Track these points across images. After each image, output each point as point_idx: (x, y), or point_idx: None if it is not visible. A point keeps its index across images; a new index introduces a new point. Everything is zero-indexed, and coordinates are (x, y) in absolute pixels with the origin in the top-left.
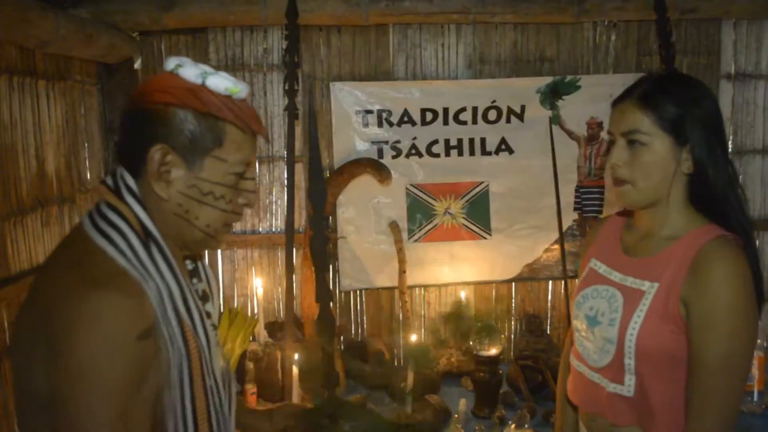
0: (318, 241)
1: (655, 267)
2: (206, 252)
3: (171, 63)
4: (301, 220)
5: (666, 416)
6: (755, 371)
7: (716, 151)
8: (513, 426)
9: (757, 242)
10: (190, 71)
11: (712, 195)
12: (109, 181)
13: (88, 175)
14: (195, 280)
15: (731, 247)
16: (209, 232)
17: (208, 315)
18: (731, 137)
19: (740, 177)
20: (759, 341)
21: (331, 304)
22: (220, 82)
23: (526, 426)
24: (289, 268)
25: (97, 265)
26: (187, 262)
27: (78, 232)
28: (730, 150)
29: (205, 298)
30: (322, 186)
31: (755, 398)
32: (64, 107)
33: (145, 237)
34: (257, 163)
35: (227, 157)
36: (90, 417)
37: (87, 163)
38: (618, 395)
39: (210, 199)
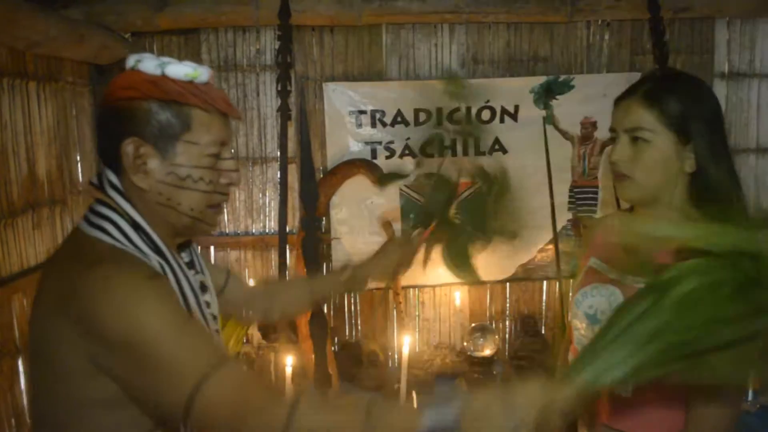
0: (310, 241)
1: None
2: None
3: (131, 60)
4: (294, 221)
5: (663, 417)
6: None
7: (719, 150)
8: None
9: None
10: (149, 64)
11: (714, 194)
12: (95, 180)
13: (80, 176)
14: (192, 272)
15: None
16: (195, 216)
17: (208, 305)
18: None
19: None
20: None
21: (324, 305)
22: (180, 69)
23: None
24: (282, 269)
25: (95, 250)
26: (183, 254)
27: (74, 231)
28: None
29: (203, 288)
30: (314, 187)
31: (750, 397)
32: (55, 109)
33: (134, 227)
34: (250, 164)
35: (198, 139)
36: (161, 346)
37: (79, 164)
38: (615, 394)
39: (189, 182)
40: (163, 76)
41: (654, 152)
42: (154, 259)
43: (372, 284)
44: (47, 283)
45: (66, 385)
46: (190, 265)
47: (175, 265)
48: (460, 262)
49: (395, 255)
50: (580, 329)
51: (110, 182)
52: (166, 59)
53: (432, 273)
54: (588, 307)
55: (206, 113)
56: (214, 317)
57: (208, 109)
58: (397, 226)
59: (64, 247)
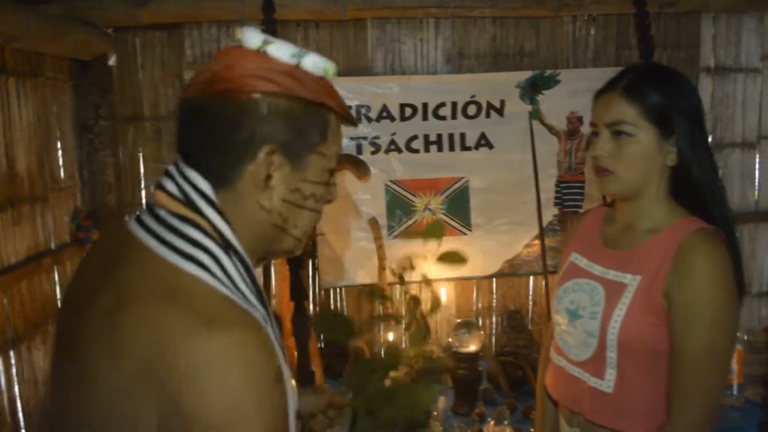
0: None
1: (637, 259)
2: None
3: (255, 38)
4: None
5: (645, 411)
6: (735, 365)
7: (700, 143)
8: (492, 423)
9: (737, 236)
10: (285, 50)
11: (695, 187)
12: (171, 187)
13: (62, 173)
14: None
15: (713, 239)
16: (301, 238)
17: None
18: (711, 131)
19: (720, 170)
20: (738, 335)
21: (310, 302)
22: (318, 62)
23: (506, 422)
24: (266, 266)
25: (202, 298)
26: None
27: (141, 250)
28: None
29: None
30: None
31: (735, 392)
32: (35, 105)
33: (227, 252)
34: None
35: (328, 151)
36: None
37: (60, 161)
38: (597, 390)
39: (311, 202)
40: (300, 68)
41: (636, 146)
42: (257, 306)
43: (358, 281)
44: (117, 330)
45: None
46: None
47: (269, 307)
48: None
49: (323, 401)
50: (562, 325)
51: (203, 195)
52: (297, 46)
53: (418, 269)
54: (569, 303)
55: (338, 120)
56: None
57: (342, 116)
58: (384, 223)
59: (135, 277)
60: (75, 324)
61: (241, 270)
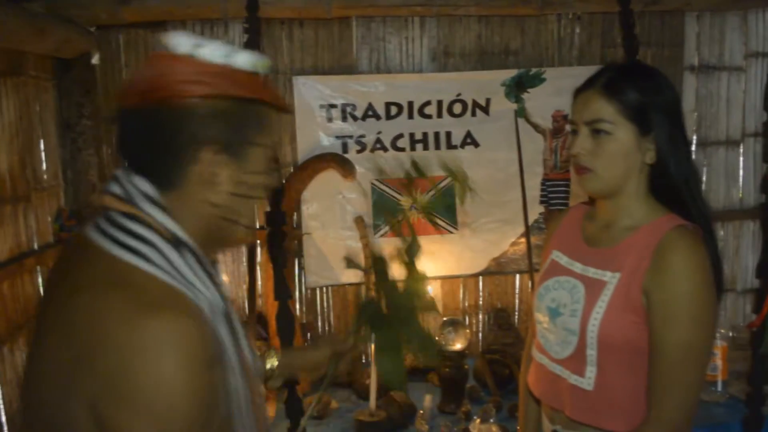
0: (275, 237)
1: (617, 257)
2: None
3: (185, 43)
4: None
5: (625, 409)
6: (719, 361)
7: (678, 140)
8: (478, 421)
9: (722, 233)
10: (215, 52)
11: (673, 185)
12: (116, 188)
13: (45, 173)
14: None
15: (691, 236)
16: (248, 225)
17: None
18: (695, 129)
19: (704, 169)
20: (723, 331)
21: (296, 301)
22: (248, 59)
23: (492, 420)
24: (252, 265)
25: (140, 285)
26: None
27: (92, 248)
28: (694, 142)
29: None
30: (279, 181)
31: (719, 388)
32: (17, 103)
33: (177, 246)
34: None
35: (266, 141)
36: None
37: (43, 160)
38: (578, 388)
39: (254, 191)
40: (230, 67)
41: (615, 144)
42: (205, 294)
43: (344, 280)
44: (68, 318)
45: None
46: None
47: (223, 291)
48: (392, 364)
49: (326, 351)
50: (543, 323)
51: (142, 193)
52: (227, 45)
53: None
54: (550, 301)
55: (271, 111)
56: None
57: (276, 107)
58: (370, 222)
59: (88, 271)
60: (38, 320)
61: (191, 260)
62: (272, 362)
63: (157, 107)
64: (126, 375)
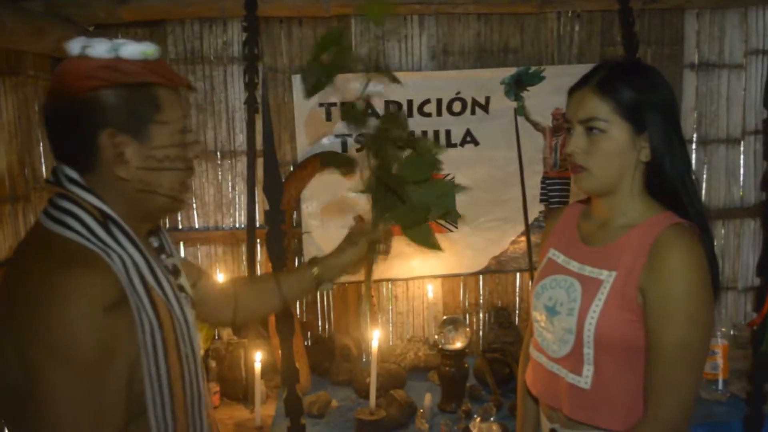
0: (273, 236)
1: (613, 255)
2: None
3: (76, 47)
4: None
5: (622, 407)
6: (720, 360)
7: (673, 138)
8: (478, 420)
9: (722, 231)
10: (101, 48)
11: (669, 183)
12: (52, 177)
13: (44, 172)
14: (163, 256)
15: (687, 234)
16: (175, 195)
17: (182, 288)
18: (695, 127)
19: (705, 167)
20: (724, 329)
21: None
22: (135, 49)
23: (492, 419)
24: (251, 264)
25: (55, 247)
26: (152, 239)
27: (35, 227)
28: (694, 140)
29: (176, 271)
30: (278, 180)
31: (720, 386)
32: (16, 103)
33: (102, 218)
34: (219, 157)
35: (168, 118)
36: (62, 394)
37: (42, 160)
38: (575, 387)
39: (167, 163)
40: (119, 59)
41: (609, 143)
42: (119, 254)
43: (344, 279)
44: (2, 286)
45: None
46: (161, 249)
47: (148, 255)
48: (418, 230)
49: (363, 244)
50: (540, 321)
51: (67, 177)
52: (117, 41)
53: (404, 266)
54: (548, 299)
55: (169, 90)
56: (189, 299)
57: (171, 86)
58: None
59: (23, 246)
60: None
61: (113, 227)
62: (315, 271)
63: (59, 105)
64: (38, 318)
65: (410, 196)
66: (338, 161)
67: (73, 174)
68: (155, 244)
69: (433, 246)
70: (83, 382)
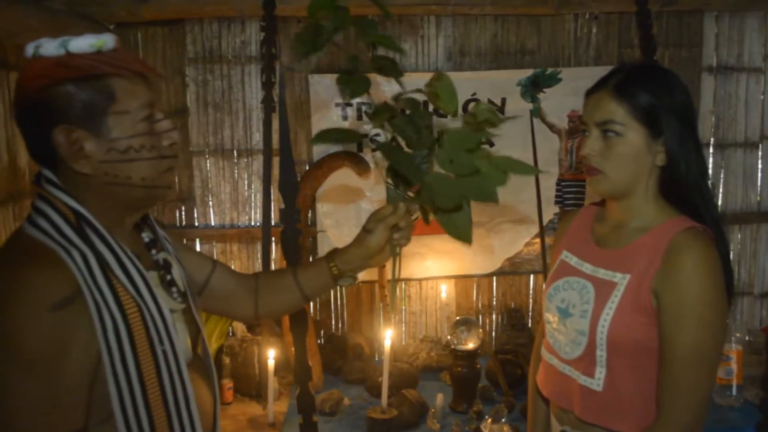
0: (288, 234)
1: (627, 258)
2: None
3: (29, 49)
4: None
5: (635, 410)
6: (734, 365)
7: (689, 143)
8: (489, 420)
9: (739, 236)
10: (49, 46)
11: (684, 187)
12: (35, 179)
13: None
14: (153, 251)
15: (702, 238)
16: (150, 184)
17: (172, 282)
18: (713, 130)
19: (722, 171)
20: (738, 335)
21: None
22: (83, 42)
23: (503, 420)
24: (266, 262)
25: (16, 247)
26: (144, 235)
27: (17, 228)
28: (711, 143)
29: (167, 266)
30: (293, 178)
31: (734, 392)
32: None
33: (75, 217)
34: (236, 156)
35: (126, 107)
36: (12, 391)
37: None
38: (587, 389)
39: (132, 154)
40: (69, 54)
41: (625, 146)
42: (82, 250)
43: (359, 277)
44: None
45: None
46: (151, 243)
47: (119, 251)
48: (456, 217)
49: (382, 230)
50: (553, 323)
51: (45, 177)
52: (65, 37)
53: (418, 267)
54: (560, 301)
55: (125, 79)
56: (181, 293)
57: (125, 74)
58: None
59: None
60: None
61: (84, 225)
62: (335, 267)
63: (17, 107)
64: None
65: (438, 176)
66: (335, 136)
67: (49, 174)
68: (147, 239)
69: (467, 239)
70: (34, 380)
